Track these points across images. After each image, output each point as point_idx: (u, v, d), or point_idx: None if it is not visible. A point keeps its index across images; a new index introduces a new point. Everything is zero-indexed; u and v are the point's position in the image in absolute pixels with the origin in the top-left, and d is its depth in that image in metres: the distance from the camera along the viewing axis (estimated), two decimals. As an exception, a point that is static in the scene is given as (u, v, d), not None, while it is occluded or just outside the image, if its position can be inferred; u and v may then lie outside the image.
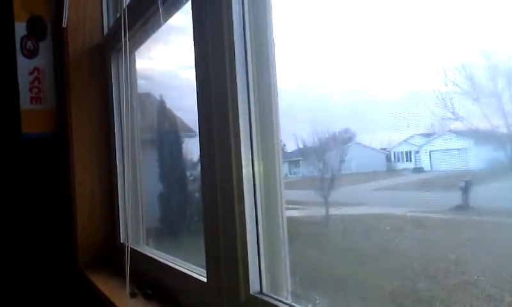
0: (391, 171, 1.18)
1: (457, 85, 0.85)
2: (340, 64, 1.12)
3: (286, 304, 1.03)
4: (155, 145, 2.36)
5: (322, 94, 1.19)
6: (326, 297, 1.10)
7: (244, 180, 1.10)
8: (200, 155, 1.27)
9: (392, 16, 0.97)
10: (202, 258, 1.27)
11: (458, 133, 0.90)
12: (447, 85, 0.86)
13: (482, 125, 0.84)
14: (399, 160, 1.14)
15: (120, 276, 1.77)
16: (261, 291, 1.09)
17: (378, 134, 1.14)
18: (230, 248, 1.13)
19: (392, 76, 0.99)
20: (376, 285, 1.04)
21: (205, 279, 1.27)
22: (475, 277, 0.80)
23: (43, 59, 2.40)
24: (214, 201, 1.19)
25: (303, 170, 1.45)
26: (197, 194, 1.89)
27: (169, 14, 1.61)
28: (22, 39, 2.36)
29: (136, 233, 2.05)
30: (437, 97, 0.87)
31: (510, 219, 0.82)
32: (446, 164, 0.99)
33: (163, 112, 2.28)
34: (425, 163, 1.07)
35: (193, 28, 1.28)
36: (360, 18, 1.03)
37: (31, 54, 2.38)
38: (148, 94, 2.34)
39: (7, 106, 2.36)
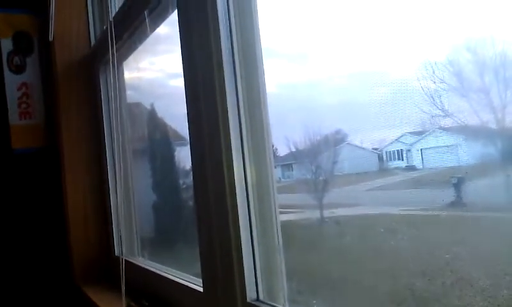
0: (383, 170, 1.18)
1: (445, 82, 0.85)
2: (328, 64, 1.12)
3: (283, 310, 1.03)
4: (147, 155, 2.35)
5: (312, 96, 1.18)
6: (324, 301, 1.09)
7: (236, 186, 1.09)
8: (192, 163, 1.26)
9: (378, 15, 0.97)
10: (198, 266, 1.26)
11: (448, 130, 0.90)
12: (435, 82, 0.86)
13: (471, 120, 0.84)
14: (390, 160, 1.14)
15: (116, 289, 1.75)
16: (258, 299, 1.08)
17: (369, 134, 1.14)
18: (225, 256, 1.12)
19: (380, 75, 0.99)
20: (373, 286, 1.04)
21: (201, 289, 1.26)
22: (470, 274, 0.80)
23: (31, 74, 2.38)
24: (207, 209, 1.18)
25: (296, 173, 1.44)
26: (191, 203, 1.88)
27: (155, 24, 1.61)
28: (8, 55, 2.34)
29: (130, 245, 2.04)
30: (426, 95, 0.87)
31: (503, 214, 0.82)
32: (438, 161, 0.99)
33: (154, 121, 2.27)
34: (417, 161, 1.07)
35: (180, 37, 1.27)
36: (348, 18, 1.03)
37: (18, 70, 2.37)
38: (138, 104, 2.33)
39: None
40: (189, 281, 1.39)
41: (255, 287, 1.08)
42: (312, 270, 1.21)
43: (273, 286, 1.09)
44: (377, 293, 1.02)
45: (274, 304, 1.05)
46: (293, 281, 1.09)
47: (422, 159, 1.05)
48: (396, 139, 1.10)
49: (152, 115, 2.28)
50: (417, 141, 1.04)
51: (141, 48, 1.89)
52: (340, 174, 1.26)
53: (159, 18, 1.57)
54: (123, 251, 1.85)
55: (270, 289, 1.08)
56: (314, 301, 1.08)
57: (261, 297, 1.08)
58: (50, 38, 2.13)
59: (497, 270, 0.77)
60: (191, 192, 1.78)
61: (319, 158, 1.30)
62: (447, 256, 0.85)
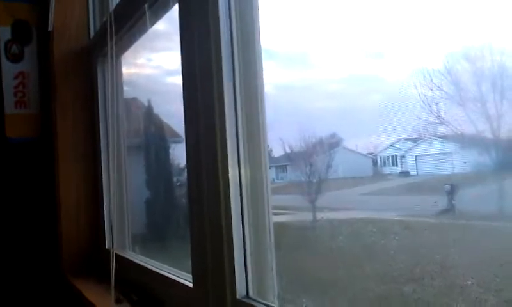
0: (377, 175, 1.18)
1: (442, 90, 0.86)
2: (326, 68, 1.13)
3: (273, 308, 1.03)
4: (141, 150, 2.34)
5: (309, 99, 1.19)
6: (313, 300, 1.10)
7: (230, 185, 1.09)
8: (186, 161, 1.26)
9: (377, 20, 0.97)
10: (189, 264, 1.26)
11: (444, 138, 0.91)
12: (432, 90, 0.86)
13: (467, 129, 0.84)
14: (385, 165, 1.15)
15: (106, 282, 1.74)
16: (247, 296, 1.08)
17: (365, 139, 1.15)
18: (216, 253, 1.12)
19: (378, 80, 0.99)
20: (363, 289, 1.04)
21: (191, 285, 1.26)
22: (461, 280, 0.81)
23: (28, 64, 2.37)
24: (200, 207, 1.18)
25: (290, 175, 1.44)
26: (184, 200, 1.88)
27: (155, 18, 1.61)
28: (6, 43, 2.33)
29: (121, 239, 2.03)
30: (423, 102, 0.88)
31: (494, 222, 0.83)
32: (432, 168, 1.00)
33: (149, 117, 2.27)
34: (411, 167, 1.07)
35: (180, 33, 1.27)
36: (346, 22, 1.04)
37: (15, 58, 2.36)
38: (134, 99, 2.32)
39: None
40: (178, 276, 1.39)
41: (245, 284, 1.08)
42: (302, 270, 1.21)
43: (263, 284, 1.09)
44: (366, 295, 1.02)
45: (264, 301, 1.05)
46: (283, 279, 1.09)
47: (417, 165, 1.06)
48: (391, 145, 1.11)
49: (148, 111, 2.27)
50: (412, 148, 1.04)
51: (139, 44, 1.89)
52: (334, 177, 1.26)
53: (159, 12, 1.57)
54: (114, 244, 1.84)
55: (260, 286, 1.09)
56: (304, 300, 1.08)
57: (251, 294, 1.08)
58: (50, 28, 2.13)
59: (487, 274, 0.78)
60: (184, 190, 1.78)
61: (313, 161, 1.30)
62: (437, 259, 0.86)
